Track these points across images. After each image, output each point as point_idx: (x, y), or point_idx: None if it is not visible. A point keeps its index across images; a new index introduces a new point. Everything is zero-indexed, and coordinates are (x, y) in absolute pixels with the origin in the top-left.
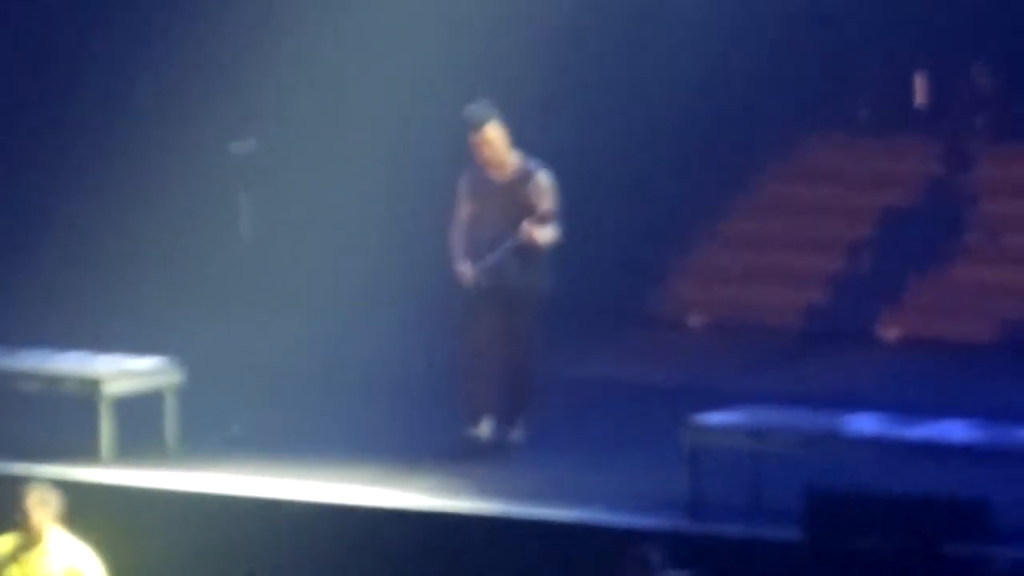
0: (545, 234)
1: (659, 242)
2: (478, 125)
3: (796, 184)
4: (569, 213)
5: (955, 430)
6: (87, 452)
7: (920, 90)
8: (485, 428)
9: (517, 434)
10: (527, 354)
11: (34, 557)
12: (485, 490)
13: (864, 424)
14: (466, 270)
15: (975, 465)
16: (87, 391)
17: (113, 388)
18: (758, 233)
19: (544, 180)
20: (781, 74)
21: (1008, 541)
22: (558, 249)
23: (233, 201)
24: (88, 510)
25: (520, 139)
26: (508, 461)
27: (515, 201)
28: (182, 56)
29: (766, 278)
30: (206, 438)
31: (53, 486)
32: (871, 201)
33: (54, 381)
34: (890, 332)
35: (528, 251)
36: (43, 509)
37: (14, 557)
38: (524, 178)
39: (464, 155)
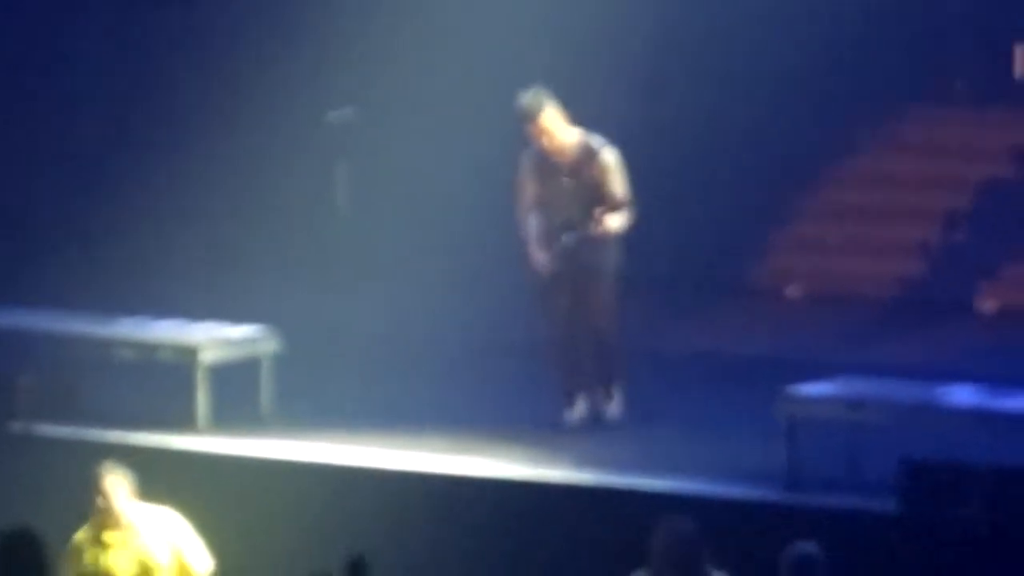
0: (617, 219)
1: (756, 214)
2: (531, 117)
3: (893, 155)
4: (666, 187)
5: None
6: (183, 420)
7: (1019, 61)
8: (580, 409)
9: (613, 408)
10: (609, 331)
11: (122, 538)
12: (582, 461)
13: (961, 395)
14: (539, 256)
15: None
16: (183, 359)
17: (209, 356)
18: (855, 204)
19: (608, 158)
20: (877, 45)
21: None
22: (649, 221)
23: (330, 170)
24: (184, 478)
25: (619, 112)
26: (606, 433)
27: (582, 181)
28: (281, 25)
29: (863, 249)
30: (302, 406)
31: (122, 464)
32: (968, 173)
33: (150, 349)
34: (987, 304)
35: (600, 233)
36: (119, 490)
37: (100, 542)
38: (588, 157)
39: None
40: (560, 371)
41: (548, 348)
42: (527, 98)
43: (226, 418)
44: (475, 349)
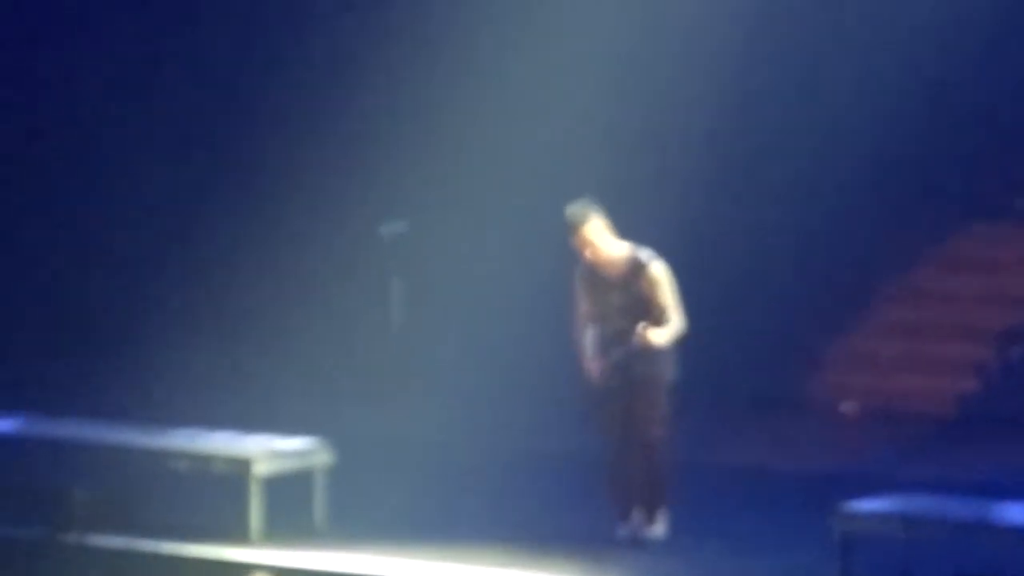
0: (663, 334)
1: (813, 329)
2: (575, 227)
3: (951, 272)
4: (720, 298)
5: None
6: (237, 531)
7: None
8: (634, 523)
9: (658, 529)
10: (658, 446)
11: None
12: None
13: (1016, 513)
14: (594, 369)
15: None
16: (237, 471)
17: (263, 468)
18: (911, 320)
19: (656, 271)
20: (938, 161)
21: None
22: (703, 334)
23: (384, 284)
24: None
25: (677, 222)
26: (658, 548)
27: (631, 294)
28: (335, 137)
29: (919, 365)
30: (355, 518)
31: (275, 572)
32: (1021, 289)
33: (204, 460)
34: None
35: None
36: None
37: None
38: (636, 271)
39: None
40: (613, 485)
41: (605, 462)
42: (572, 209)
43: (279, 530)
44: (528, 460)
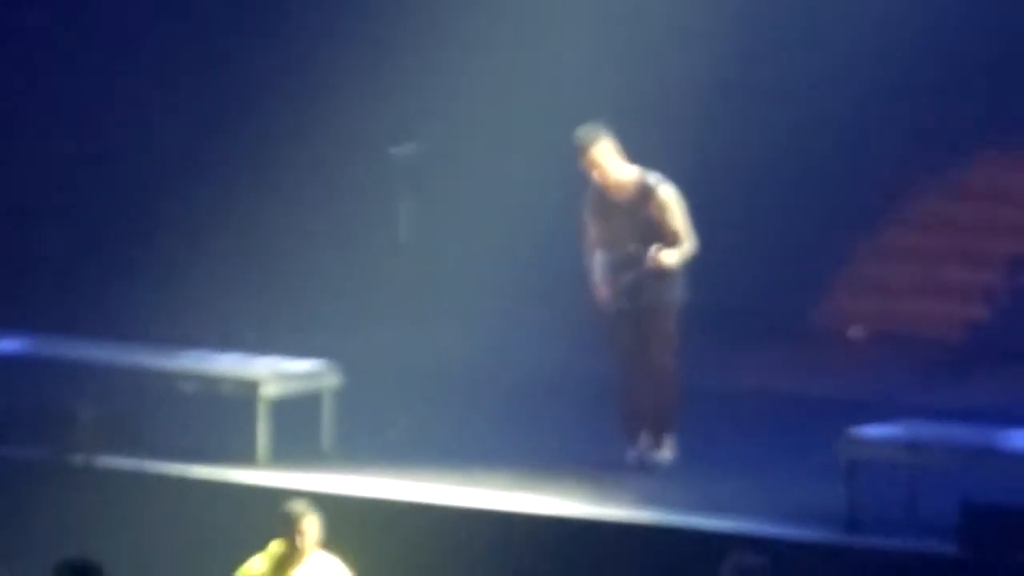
0: (674, 255)
1: (821, 254)
2: (583, 148)
3: (960, 200)
4: (730, 224)
5: None
6: (244, 454)
7: None
8: (642, 447)
9: (665, 453)
10: (667, 371)
11: (297, 571)
12: (642, 500)
13: (1022, 440)
14: (603, 294)
15: None
16: (245, 392)
17: (271, 390)
18: (920, 247)
19: (665, 195)
20: (946, 91)
21: None
22: (712, 260)
23: (393, 205)
24: (244, 512)
25: (689, 149)
26: (666, 472)
27: (640, 218)
28: (346, 59)
29: (928, 292)
30: (363, 441)
31: (322, 506)
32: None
33: (212, 382)
34: None
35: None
36: (312, 526)
37: (279, 570)
38: (645, 195)
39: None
40: (623, 409)
41: (615, 386)
42: (581, 130)
43: (286, 452)
44: (537, 384)
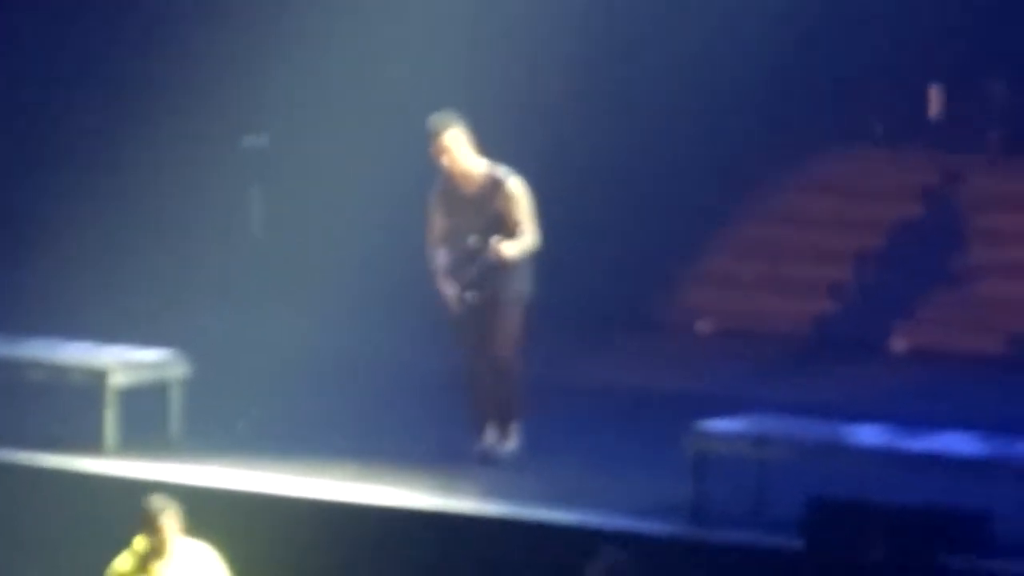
0: (515, 247)
1: (668, 248)
2: (436, 133)
3: (809, 195)
4: (579, 218)
5: (958, 443)
6: (92, 443)
7: (934, 103)
8: (489, 439)
9: (510, 445)
10: (509, 363)
11: (162, 566)
12: (487, 492)
13: (868, 435)
14: (448, 291)
15: (978, 478)
16: (93, 382)
17: (119, 379)
18: (769, 242)
19: (513, 188)
20: (795, 86)
21: (1009, 554)
22: (560, 254)
23: (244, 195)
24: (91, 501)
25: (534, 146)
26: (513, 465)
27: (487, 211)
28: (196, 49)
29: (776, 287)
30: (211, 431)
31: (172, 494)
32: (883, 213)
33: (60, 371)
34: (899, 344)
35: (507, 263)
36: (171, 521)
37: (143, 566)
38: (493, 187)
39: None
40: (469, 401)
41: (462, 378)
42: (436, 116)
43: (134, 441)
44: (385, 374)
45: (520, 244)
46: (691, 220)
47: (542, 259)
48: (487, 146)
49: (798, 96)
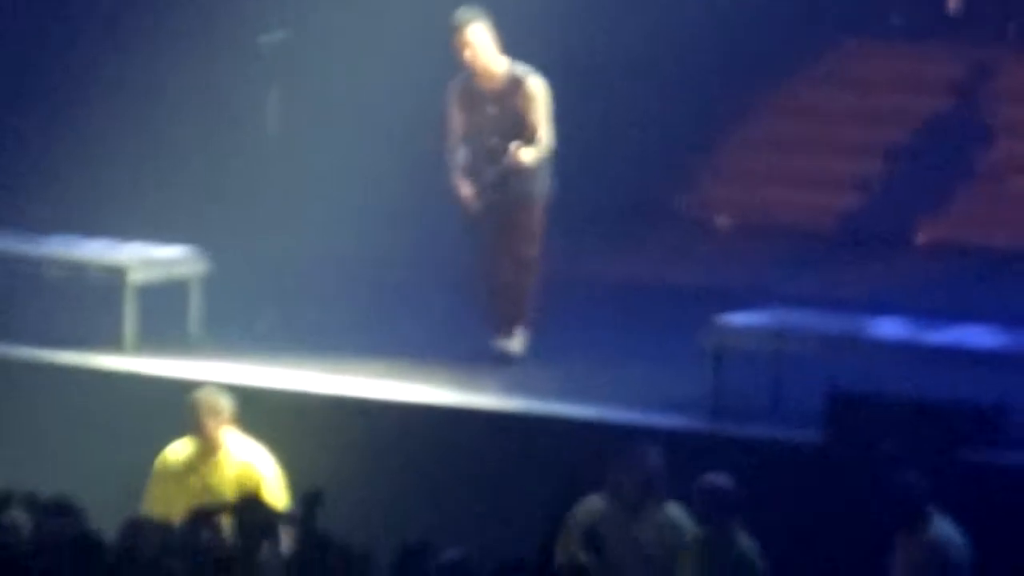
0: (532, 152)
1: (687, 143)
2: (460, 26)
3: (827, 88)
4: (595, 111)
5: (977, 336)
6: (110, 340)
7: None
8: (512, 337)
9: (516, 344)
10: (529, 264)
11: (212, 464)
12: (507, 387)
13: (887, 328)
14: (464, 190)
15: (996, 371)
16: (112, 279)
17: (138, 276)
18: (788, 136)
19: (533, 87)
20: None
21: None
22: (577, 148)
23: (262, 95)
24: (110, 398)
25: (548, 40)
26: (533, 362)
27: (507, 109)
28: None
29: (794, 181)
30: (229, 329)
31: (224, 389)
32: (902, 107)
33: (79, 268)
34: (923, 238)
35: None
36: (215, 415)
37: (193, 466)
38: (514, 85)
39: None
40: (486, 301)
41: (478, 280)
42: (463, 9)
43: (153, 339)
44: (405, 277)
45: (537, 149)
46: (710, 114)
47: (559, 154)
48: (502, 40)
49: None
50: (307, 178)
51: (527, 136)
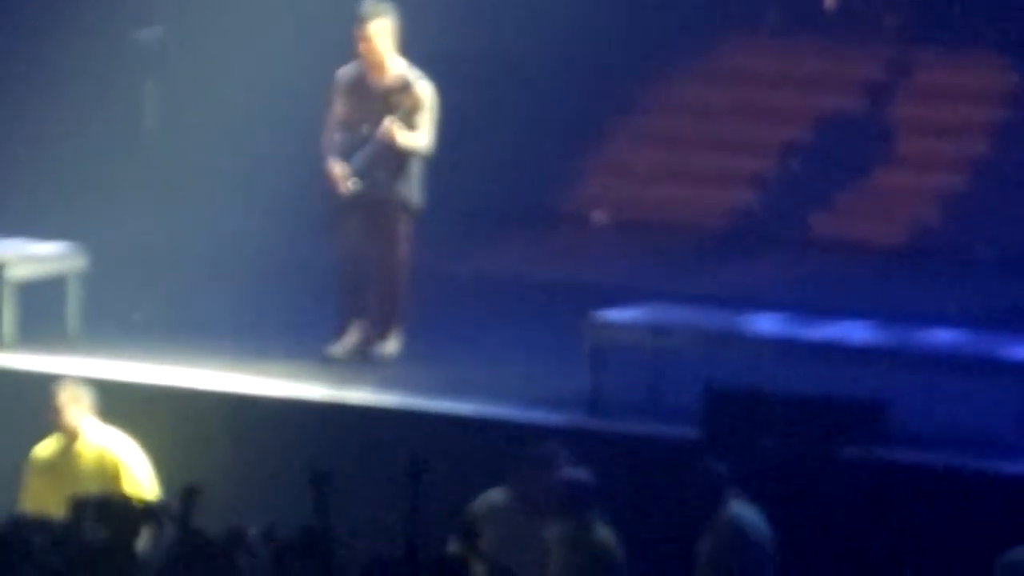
0: (409, 138)
1: (566, 139)
2: (364, 19)
3: (706, 84)
4: (472, 108)
5: (855, 331)
6: None
7: None
8: (349, 341)
9: (391, 346)
10: (396, 267)
11: (73, 453)
12: (382, 384)
13: (766, 324)
14: (336, 172)
15: (875, 367)
16: None
17: (16, 272)
18: (667, 132)
19: (421, 91)
20: None
21: (904, 444)
22: (454, 145)
23: (138, 89)
24: None
25: (427, 36)
26: (411, 357)
27: (392, 108)
28: None
29: (673, 176)
30: (108, 324)
31: (83, 381)
32: (780, 103)
33: None
34: (796, 233)
35: (398, 160)
36: (76, 405)
37: (58, 458)
38: (403, 86)
39: None
40: (340, 299)
41: (337, 273)
42: (370, 2)
43: (33, 335)
44: (279, 268)
45: (414, 138)
46: (589, 110)
47: (439, 149)
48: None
49: None
50: (182, 171)
51: (405, 127)
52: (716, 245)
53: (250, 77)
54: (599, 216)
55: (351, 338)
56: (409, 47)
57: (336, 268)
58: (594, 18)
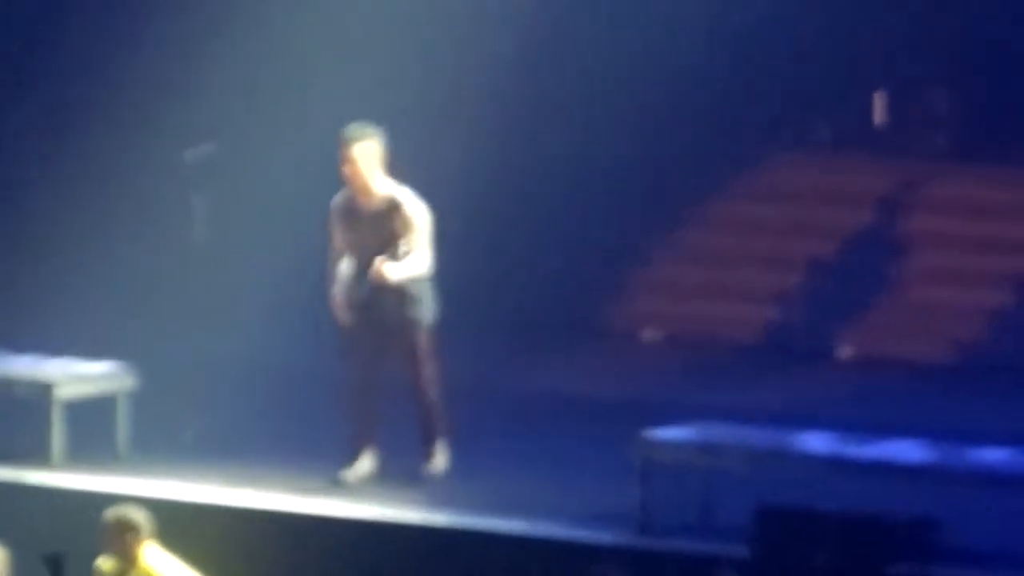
0: (404, 268)
1: (615, 256)
2: (347, 142)
3: (754, 201)
4: (523, 223)
5: (906, 450)
6: (38, 455)
7: (879, 109)
8: (363, 466)
9: (439, 461)
10: (427, 384)
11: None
12: (432, 501)
13: (815, 442)
14: (338, 303)
15: (925, 485)
16: (39, 394)
17: (65, 392)
18: (715, 249)
19: (409, 211)
20: (740, 92)
21: (954, 562)
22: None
23: (187, 205)
24: (38, 514)
25: (480, 153)
26: (459, 474)
27: (384, 230)
28: (138, 60)
29: (722, 294)
30: (158, 443)
31: (140, 505)
32: (829, 219)
33: (6, 384)
34: (846, 350)
35: (402, 285)
36: (130, 533)
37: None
38: (391, 208)
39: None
40: (350, 423)
41: (345, 400)
42: (354, 125)
43: (82, 454)
44: (330, 384)
45: (407, 267)
46: (637, 227)
47: (489, 265)
48: (431, 154)
49: (743, 102)
50: (235, 287)
51: (400, 257)
52: (756, 361)
53: (296, 191)
54: (650, 333)
55: (365, 464)
56: (466, 162)
57: (344, 390)
58: (642, 135)
